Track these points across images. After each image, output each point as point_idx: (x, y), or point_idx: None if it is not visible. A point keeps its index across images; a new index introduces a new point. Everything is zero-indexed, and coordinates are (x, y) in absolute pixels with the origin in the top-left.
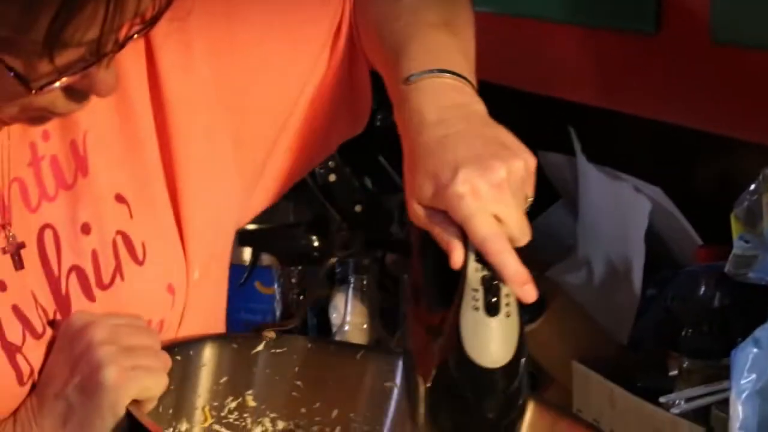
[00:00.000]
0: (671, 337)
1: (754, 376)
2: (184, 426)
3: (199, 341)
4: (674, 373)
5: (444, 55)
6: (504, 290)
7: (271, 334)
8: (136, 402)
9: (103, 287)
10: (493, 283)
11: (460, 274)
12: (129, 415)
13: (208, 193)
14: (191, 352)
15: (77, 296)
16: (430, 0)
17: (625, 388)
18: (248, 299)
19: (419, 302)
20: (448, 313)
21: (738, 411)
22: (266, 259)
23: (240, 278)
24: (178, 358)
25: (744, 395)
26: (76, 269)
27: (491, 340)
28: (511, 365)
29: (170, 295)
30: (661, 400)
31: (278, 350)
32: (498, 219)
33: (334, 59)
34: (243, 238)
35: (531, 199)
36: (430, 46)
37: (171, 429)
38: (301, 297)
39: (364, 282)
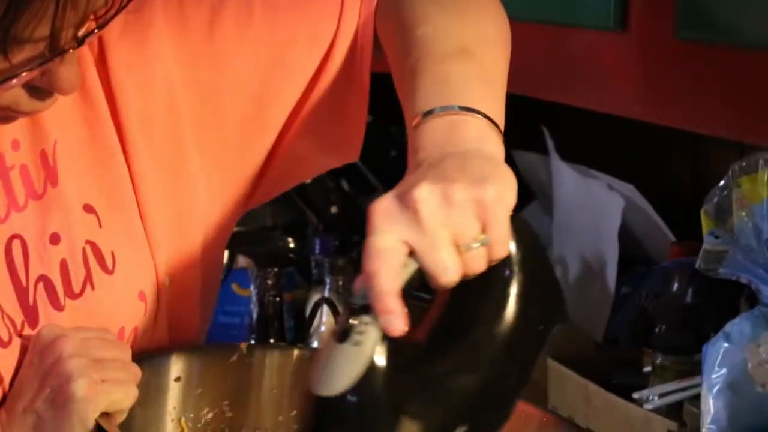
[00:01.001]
0: (645, 333)
1: (724, 370)
2: None
3: (171, 353)
4: (648, 369)
5: (451, 89)
6: (366, 318)
7: (243, 345)
8: (106, 414)
9: (73, 297)
10: (352, 308)
11: None
12: (99, 427)
13: (169, 202)
14: (163, 365)
15: (45, 307)
16: (444, 26)
17: (599, 385)
18: (225, 301)
19: None
20: None
21: (709, 405)
22: (242, 261)
23: None
24: (150, 370)
25: (715, 389)
26: (44, 280)
27: (326, 366)
28: (341, 399)
29: (142, 303)
30: (635, 396)
31: (252, 360)
32: (409, 247)
33: (322, 85)
34: None
35: (484, 237)
36: (436, 83)
37: None
38: (278, 299)
39: (340, 283)
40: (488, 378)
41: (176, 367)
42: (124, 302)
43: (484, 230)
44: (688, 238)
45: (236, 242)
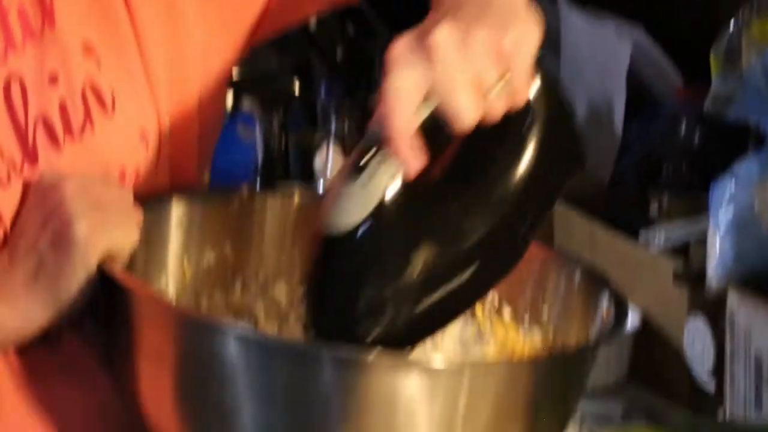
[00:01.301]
0: (652, 175)
1: (732, 208)
2: (160, 281)
3: (171, 197)
4: (654, 210)
5: None
6: (378, 157)
7: (245, 187)
8: (107, 256)
9: (73, 137)
10: (365, 146)
11: None
12: (101, 269)
13: (167, 43)
14: (164, 208)
15: (44, 147)
16: None
17: (605, 227)
18: (230, 145)
19: None
20: None
21: (716, 244)
22: (247, 104)
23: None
24: (151, 214)
25: (722, 228)
26: (44, 120)
27: (336, 203)
28: (350, 235)
29: (143, 143)
30: (641, 236)
31: (254, 202)
32: (426, 88)
33: None
34: None
35: (503, 81)
36: None
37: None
38: (283, 141)
39: (346, 125)
40: (499, 221)
41: (177, 210)
42: (124, 142)
43: (504, 75)
44: (696, 81)
45: (242, 85)
